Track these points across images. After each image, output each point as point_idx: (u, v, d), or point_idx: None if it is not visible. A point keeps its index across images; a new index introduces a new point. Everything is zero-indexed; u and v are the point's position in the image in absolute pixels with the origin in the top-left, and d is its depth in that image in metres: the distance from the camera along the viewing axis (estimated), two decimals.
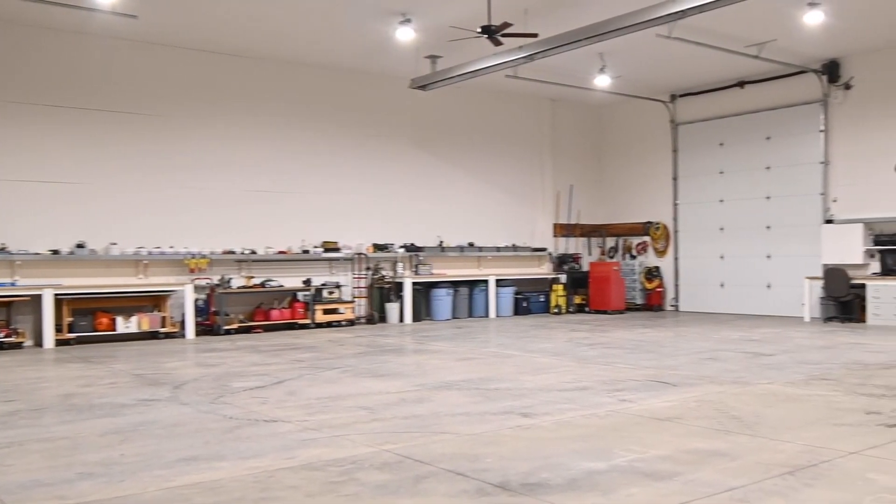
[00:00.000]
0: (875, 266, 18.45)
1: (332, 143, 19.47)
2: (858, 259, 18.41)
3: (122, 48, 16.74)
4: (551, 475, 5.72)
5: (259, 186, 18.38)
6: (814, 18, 15.26)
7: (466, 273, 21.32)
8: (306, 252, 18.65)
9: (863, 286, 17.95)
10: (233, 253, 17.74)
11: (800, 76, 19.65)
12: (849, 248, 18.55)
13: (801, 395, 8.98)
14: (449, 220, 21.41)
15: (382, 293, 19.77)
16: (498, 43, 14.51)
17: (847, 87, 19.03)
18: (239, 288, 17.59)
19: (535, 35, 14.63)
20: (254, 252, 17.99)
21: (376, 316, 19.49)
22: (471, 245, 21.58)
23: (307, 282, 18.38)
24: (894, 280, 17.49)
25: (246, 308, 17.92)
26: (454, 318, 20.68)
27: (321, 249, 18.84)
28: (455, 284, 20.83)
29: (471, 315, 21.14)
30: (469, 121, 21.91)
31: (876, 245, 18.28)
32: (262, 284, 17.95)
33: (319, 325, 18.27)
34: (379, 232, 20.01)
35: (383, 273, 19.82)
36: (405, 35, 15.99)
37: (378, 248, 19.79)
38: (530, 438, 6.91)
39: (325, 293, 18.47)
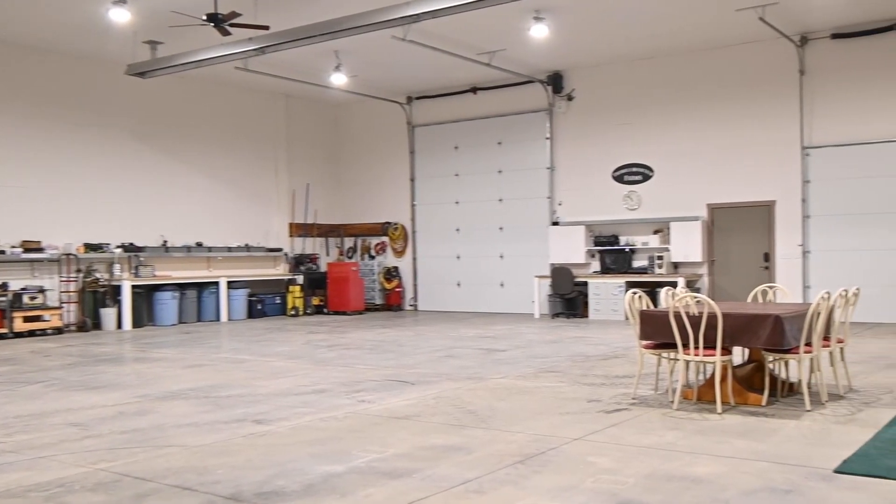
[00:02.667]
0: (595, 265, 19.63)
1: (37, 131, 17.63)
2: (581, 259, 19.52)
3: None
4: (287, 482, 5.62)
5: None
6: (539, 32, 15.99)
7: (195, 275, 20.11)
8: (2, 252, 16.75)
9: (585, 284, 19.02)
10: None
11: (528, 85, 20.56)
12: (573, 249, 19.62)
13: (530, 387, 9.37)
14: (175, 218, 20.15)
15: (96, 298, 18.19)
16: (226, 33, 13.93)
17: (570, 98, 20.12)
18: None
19: (266, 27, 14.30)
20: None
21: (89, 323, 17.92)
22: (199, 245, 20.48)
23: (3, 286, 16.53)
24: (612, 278, 18.64)
25: None
26: (181, 322, 19.48)
27: (20, 250, 17.02)
28: (182, 287, 19.55)
29: (200, 319, 20.02)
30: (197, 114, 20.88)
31: (596, 246, 19.46)
32: None
33: (20, 335, 16.42)
34: (92, 230, 18.45)
35: (97, 276, 18.21)
36: (120, 16, 14.55)
37: (90, 248, 18.21)
38: (265, 446, 6.75)
39: (25, 299, 16.75)
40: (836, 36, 16.81)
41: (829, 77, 16.98)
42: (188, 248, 20.24)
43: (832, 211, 17.01)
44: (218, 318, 20.36)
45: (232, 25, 13.80)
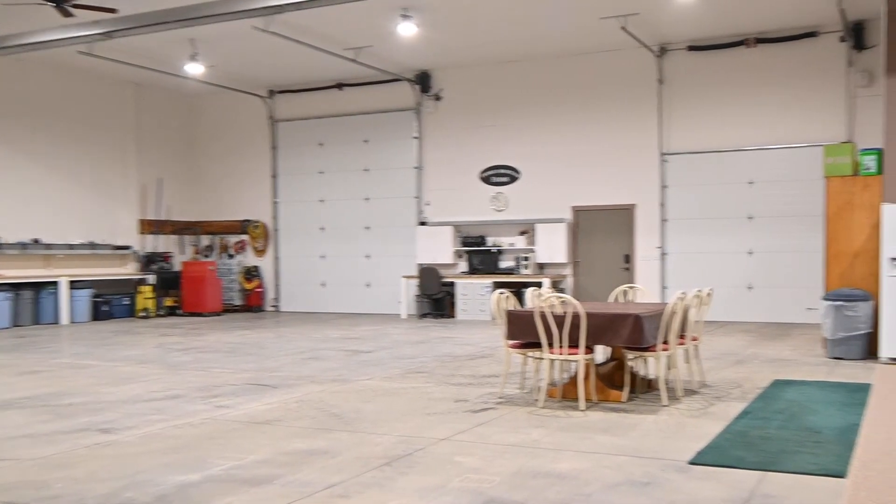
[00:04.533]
0: (463, 265, 19.70)
1: None
2: (449, 259, 19.56)
3: None
4: (137, 494, 5.31)
5: None
6: (407, 30, 15.86)
7: (31, 274, 18.70)
8: None
9: (452, 284, 19.06)
10: None
11: (396, 84, 20.48)
12: (440, 249, 19.65)
13: (397, 388, 9.29)
14: (8, 212, 18.73)
15: None
16: (67, 14, 13.09)
17: (437, 97, 20.13)
18: None
19: (113, 10, 13.57)
20: None
21: None
22: (36, 242, 18.96)
23: None
24: (478, 278, 18.73)
25: None
26: (15, 325, 18.00)
27: None
28: (16, 287, 18.11)
29: (37, 322, 18.60)
30: (36, 100, 19.41)
31: (464, 246, 19.52)
32: None
33: None
34: None
35: None
36: None
37: None
38: (112, 456, 6.35)
39: None
40: (692, 48, 17.48)
41: (685, 87, 17.64)
42: (23, 245, 18.78)
43: (688, 215, 17.65)
44: (58, 321, 19.00)
45: (75, 6, 12.91)
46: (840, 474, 5.51)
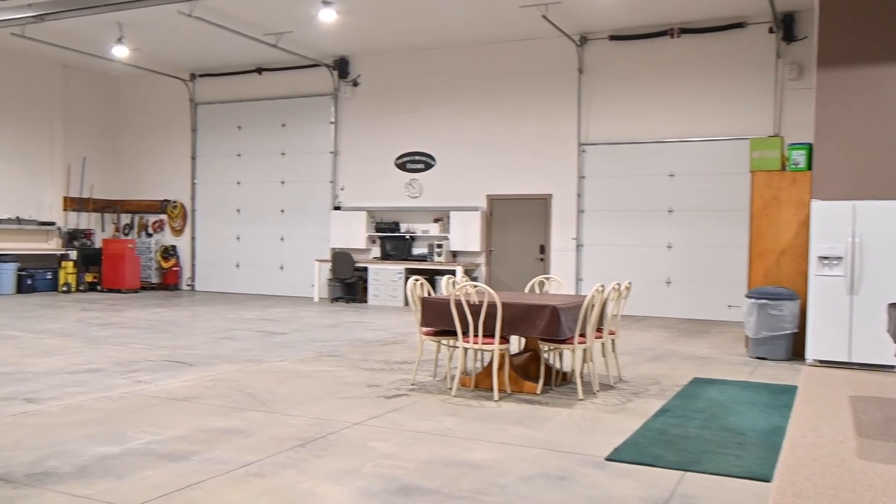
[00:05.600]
0: (376, 251, 19.80)
1: None
2: (362, 244, 19.64)
3: None
4: (60, 463, 5.41)
5: None
6: (327, 16, 15.86)
7: None
8: None
9: (365, 269, 19.15)
10: None
11: (314, 69, 20.50)
12: (354, 234, 19.72)
13: (310, 371, 9.36)
14: None
15: None
16: None
17: (355, 84, 20.16)
18: None
19: None
20: None
21: None
22: None
23: None
24: (391, 264, 18.83)
25: None
26: None
27: None
28: None
29: None
30: None
31: (377, 232, 19.58)
32: None
33: None
34: None
35: None
36: None
37: None
38: (36, 425, 6.46)
39: None
40: (613, 38, 17.51)
41: (606, 77, 17.66)
42: None
43: (605, 206, 17.72)
44: None
45: None
46: (765, 478, 5.41)
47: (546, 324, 7.70)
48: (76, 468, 5.32)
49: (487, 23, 17.17)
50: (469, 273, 18.50)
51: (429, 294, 8.60)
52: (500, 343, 7.95)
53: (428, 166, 19.42)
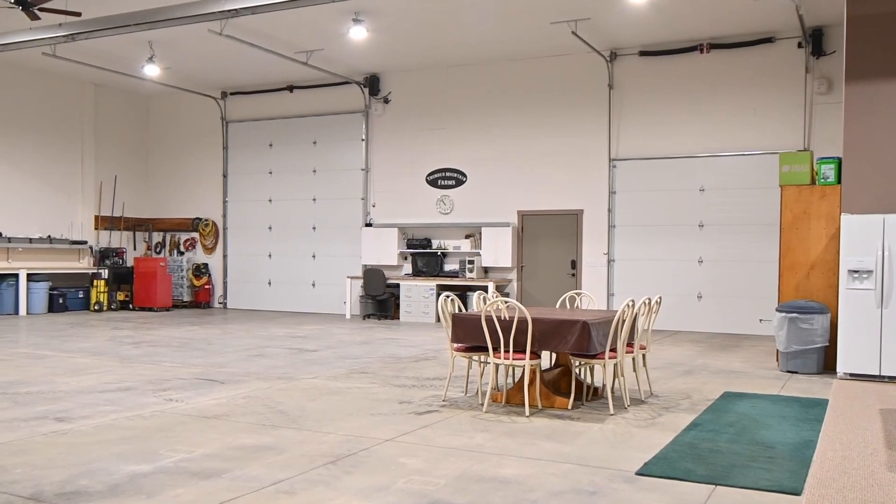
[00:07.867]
0: (407, 267, 19.81)
1: None
2: (394, 261, 19.64)
3: None
4: (91, 482, 5.42)
5: None
6: (358, 34, 16.00)
7: None
8: None
9: (397, 286, 19.16)
10: None
11: (345, 86, 20.59)
12: (385, 250, 19.74)
13: (342, 388, 9.35)
14: None
15: None
16: (35, 17, 13.23)
17: (386, 101, 20.23)
18: None
19: (78, 14, 13.71)
20: None
21: None
22: None
23: None
24: (423, 280, 18.83)
25: None
26: None
27: None
28: None
29: None
30: None
31: (409, 248, 19.61)
32: None
33: None
34: None
35: None
36: None
37: None
38: (67, 444, 6.48)
39: None
40: (643, 53, 17.52)
41: (635, 92, 17.66)
42: None
43: (636, 221, 17.68)
44: (17, 312, 19.50)
45: (41, 10, 13.11)
46: (795, 491, 5.36)
47: (577, 339, 7.65)
48: (107, 487, 5.33)
49: (517, 39, 17.18)
50: (500, 289, 18.46)
51: (460, 310, 8.57)
52: (531, 358, 7.90)
53: (459, 182, 19.42)
